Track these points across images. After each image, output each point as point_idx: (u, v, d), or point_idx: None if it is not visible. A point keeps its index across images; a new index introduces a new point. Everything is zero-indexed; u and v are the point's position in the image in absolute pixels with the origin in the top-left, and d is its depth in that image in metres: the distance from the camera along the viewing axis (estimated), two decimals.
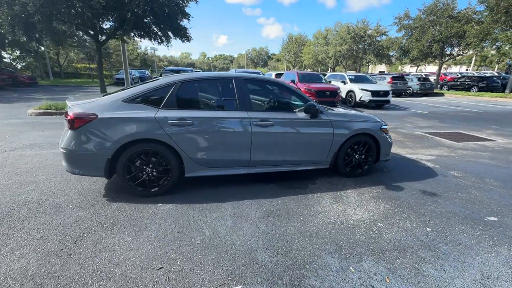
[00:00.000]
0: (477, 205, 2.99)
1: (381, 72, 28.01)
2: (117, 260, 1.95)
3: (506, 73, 30.67)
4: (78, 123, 2.65)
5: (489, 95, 17.26)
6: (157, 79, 3.21)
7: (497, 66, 38.79)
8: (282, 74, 13.82)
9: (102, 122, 2.68)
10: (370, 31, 27.24)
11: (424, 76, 23.29)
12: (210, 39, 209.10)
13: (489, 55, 18.41)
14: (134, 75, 23.88)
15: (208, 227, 2.41)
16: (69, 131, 2.71)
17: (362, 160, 3.71)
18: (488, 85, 19.50)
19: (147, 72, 32.25)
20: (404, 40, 20.72)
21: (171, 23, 9.38)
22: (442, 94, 19.43)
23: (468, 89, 20.50)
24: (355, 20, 30.87)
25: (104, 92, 10.30)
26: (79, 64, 36.27)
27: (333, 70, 34.19)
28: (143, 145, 2.79)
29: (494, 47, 14.61)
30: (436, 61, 22.73)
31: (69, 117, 2.66)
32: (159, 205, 2.80)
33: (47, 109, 8.15)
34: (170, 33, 10.33)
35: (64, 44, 11.81)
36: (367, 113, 4.30)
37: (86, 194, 3.00)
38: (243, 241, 2.23)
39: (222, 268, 1.90)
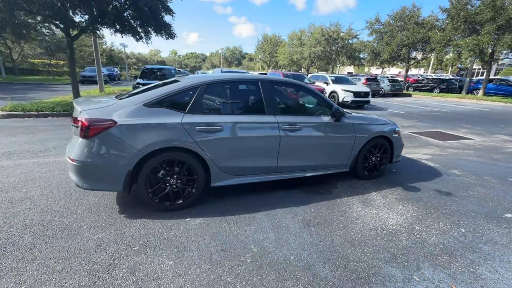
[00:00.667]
0: (490, 203, 3.18)
1: (349, 73, 29.44)
2: None
3: (457, 75, 34.20)
4: (93, 130, 2.29)
5: (450, 96, 18.96)
6: (176, 81, 2.93)
7: (450, 69, 42.92)
8: (265, 73, 13.79)
9: (122, 129, 2.36)
10: (342, 34, 28.42)
11: (391, 77, 24.93)
12: (181, 36, 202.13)
13: (444, 59, 20.16)
14: (102, 72, 22.22)
15: (253, 242, 2.24)
16: (82, 139, 2.34)
17: (377, 162, 3.76)
18: (448, 87, 21.42)
19: (115, 69, 30.17)
20: (376, 44, 21.94)
21: (155, 19, 8.79)
22: (409, 95, 20.91)
23: (431, 90, 22.33)
24: (328, 23, 31.89)
25: (76, 91, 9.36)
26: (36, 60, 32.75)
27: (307, 71, 35.11)
28: (168, 154, 2.51)
29: (455, 52, 16.04)
30: (399, 63, 24.49)
31: (82, 124, 2.30)
32: (187, 219, 2.55)
33: (12, 111, 7.17)
34: (151, 29, 9.69)
35: (27, 38, 10.46)
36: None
37: (98, 210, 2.63)
38: (296, 255, 2.10)
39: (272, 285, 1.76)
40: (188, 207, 2.74)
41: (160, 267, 1.91)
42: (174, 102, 2.62)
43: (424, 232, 2.50)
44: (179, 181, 2.64)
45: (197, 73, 24.82)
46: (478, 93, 18.52)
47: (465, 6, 15.44)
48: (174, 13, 9.51)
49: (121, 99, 2.63)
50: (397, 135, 3.82)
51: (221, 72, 11.08)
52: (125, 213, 2.61)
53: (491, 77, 19.24)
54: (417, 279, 1.89)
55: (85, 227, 2.35)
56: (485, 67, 17.59)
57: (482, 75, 31.81)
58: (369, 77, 18.95)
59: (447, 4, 16.25)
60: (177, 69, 12.88)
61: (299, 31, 34.42)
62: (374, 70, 49.79)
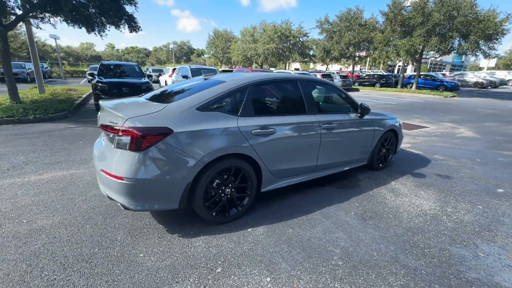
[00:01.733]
0: (480, 181, 3.78)
1: (296, 69, 31.12)
2: None
3: (388, 71, 39.65)
4: (148, 141, 1.95)
5: (390, 89, 21.63)
6: (214, 79, 2.68)
7: (381, 66, 49.05)
8: (231, 71, 13.56)
9: (180, 137, 2.06)
10: (293, 32, 29.67)
11: (337, 73, 27.23)
12: (117, 29, 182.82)
13: (377, 57, 22.99)
14: (29, 69, 18.79)
15: (330, 244, 2.23)
16: (131, 152, 1.97)
17: (386, 153, 4.10)
18: (387, 82, 24.37)
19: (44, 65, 25.77)
20: (326, 42, 23.56)
21: (117, 9, 7.76)
22: (357, 89, 23.12)
23: (373, 85, 25.11)
24: (273, 20, 32.96)
25: (14, 92, 7.71)
26: None
27: (261, 67, 35.75)
28: (226, 161, 2.29)
29: (394, 51, 18.34)
30: (346, 60, 26.93)
31: (133, 134, 1.93)
32: (249, 230, 2.39)
33: None
34: (109, 20, 8.53)
35: None
36: None
37: (142, 233, 2.26)
38: (377, 250, 2.16)
39: (395, 284, 1.81)
40: (241, 216, 2.56)
41: (261, 286, 1.75)
42: (226, 105, 2.40)
43: (456, 213, 2.85)
44: (233, 190, 2.44)
45: (147, 70, 22.85)
46: (411, 87, 21.56)
47: (400, 11, 17.68)
48: (136, 3, 8.56)
49: (171, 103, 2.28)
50: (400, 128, 4.21)
51: (190, 69, 10.46)
52: (176, 232, 2.30)
53: (411, 73, 22.61)
54: (482, 255, 2.16)
55: (141, 255, 2.00)
56: (415, 64, 20.51)
57: (404, 71, 37.10)
58: (324, 73, 20.28)
59: (386, 8, 18.34)
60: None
61: (251, 28, 34.64)
62: (319, 67, 53.58)
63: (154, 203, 2.10)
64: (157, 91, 3.07)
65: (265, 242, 2.21)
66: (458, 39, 16.59)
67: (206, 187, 2.24)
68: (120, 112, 2.09)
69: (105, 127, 2.14)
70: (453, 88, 20.24)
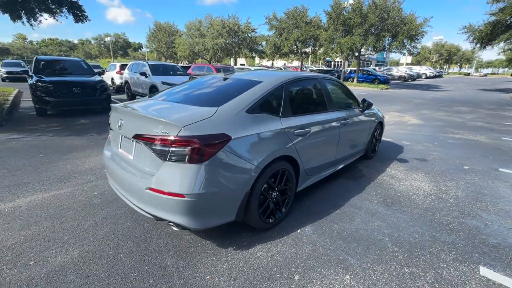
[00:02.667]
0: (448, 161, 4.49)
1: (242, 65, 31.59)
2: None
3: (327, 66, 43.79)
4: (210, 151, 1.75)
5: None
6: (245, 79, 2.53)
7: (321, 61, 53.26)
8: (188, 67, 12.88)
9: (238, 144, 1.91)
10: (242, 27, 29.63)
11: (284, 68, 28.58)
12: (55, 18, 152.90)
13: (323, 54, 24.99)
14: None
15: (377, 233, 2.38)
16: (191, 166, 1.74)
17: (375, 143, 4.52)
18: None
19: None
20: (276, 39, 24.29)
21: None
22: None
23: None
24: (216, 14, 32.38)
25: None
26: None
27: (209, 62, 34.84)
28: (275, 165, 2.21)
29: (338, 48, 20.04)
30: (294, 56, 28.33)
31: (193, 144, 1.70)
32: (298, 231, 2.37)
33: None
34: (36, 6, 7.13)
35: None
36: None
37: (191, 252, 2.03)
38: (416, 232, 2.40)
39: (448, 259, 2.05)
40: (284, 219, 2.52)
41: (345, 285, 1.78)
42: (269, 105, 2.30)
43: (449, 190, 3.34)
44: (278, 193, 2.38)
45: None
46: (353, 81, 23.98)
47: (341, 11, 19.37)
48: None
49: (221, 106, 2.04)
50: (383, 118, 4.68)
51: (149, 65, 9.51)
52: (229, 246, 2.14)
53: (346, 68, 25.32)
54: (489, 223, 2.60)
55: (208, 277, 1.81)
56: (354, 59, 22.82)
57: (341, 66, 41.21)
58: (284, 68, 20.88)
59: (329, 8, 19.82)
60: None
61: (197, 22, 33.22)
62: (265, 62, 55.09)
63: (214, 219, 1.91)
64: (169, 91, 2.74)
65: (321, 241, 2.24)
66: (388, 38, 19.06)
67: (259, 194, 2.13)
68: (167, 119, 1.81)
69: (147, 138, 1.83)
70: (386, 81, 23.27)
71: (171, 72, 9.92)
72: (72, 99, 6.89)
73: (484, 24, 16.42)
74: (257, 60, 51.93)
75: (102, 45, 52.13)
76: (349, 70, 27.09)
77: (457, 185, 3.49)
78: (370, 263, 1.99)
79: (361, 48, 19.91)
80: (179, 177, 1.74)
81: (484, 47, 17.63)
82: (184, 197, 1.72)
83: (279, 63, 51.21)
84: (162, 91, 2.90)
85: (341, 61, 56.93)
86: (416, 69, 37.62)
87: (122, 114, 2.15)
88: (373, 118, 4.04)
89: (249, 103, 2.14)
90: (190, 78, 3.84)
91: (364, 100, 3.67)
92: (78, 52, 65.47)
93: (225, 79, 2.75)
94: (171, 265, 1.91)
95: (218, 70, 11.62)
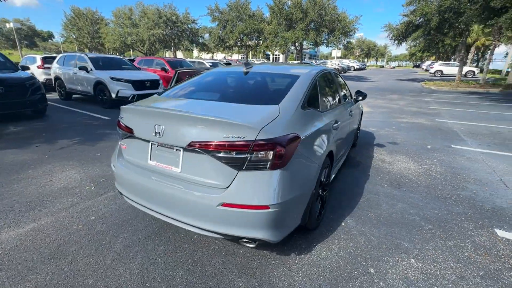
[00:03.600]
0: (413, 143, 5.18)
1: (203, 59, 30.31)
2: None
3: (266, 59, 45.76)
4: (289, 155, 1.58)
5: None
6: (278, 73, 2.39)
7: (260, 55, 54.81)
8: (133, 60, 11.50)
9: (305, 143, 1.80)
10: (181, 17, 27.81)
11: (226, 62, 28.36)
12: None
13: (269, 47, 25.68)
14: None
15: (407, 215, 2.58)
16: (271, 172, 1.55)
17: (357, 131, 4.88)
18: None
19: None
20: (221, 31, 23.68)
21: None
22: None
23: None
24: (162, 4, 29.84)
25: None
26: None
27: (145, 55, 31.85)
28: (325, 161, 2.16)
29: (283, 42, 20.80)
30: (239, 49, 28.27)
31: (272, 148, 1.51)
32: (342, 224, 2.40)
33: None
34: None
35: None
36: None
37: (257, 266, 1.85)
38: (433, 208, 2.70)
39: (471, 228, 2.37)
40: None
41: (414, 267, 1.88)
42: (312, 100, 2.21)
43: (432, 168, 3.85)
44: (322, 188, 2.34)
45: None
46: None
47: (283, 6, 20.07)
48: None
49: (280, 103, 1.82)
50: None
51: (90, 58, 8.04)
52: (289, 252, 2.02)
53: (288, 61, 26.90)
54: (477, 192, 3.11)
55: None
56: (296, 53, 24.11)
57: (278, 60, 43.16)
58: (226, 61, 20.51)
59: (271, 2, 20.29)
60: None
61: (127, 10, 29.65)
62: (204, 55, 53.58)
63: (287, 227, 1.75)
64: (184, 88, 2.38)
65: (368, 231, 2.31)
66: (326, 34, 20.71)
67: (317, 192, 2.06)
68: (240, 121, 1.54)
69: (212, 145, 1.53)
70: None
71: (118, 66, 8.66)
72: None
73: (400, 23, 19.34)
74: (195, 53, 49.93)
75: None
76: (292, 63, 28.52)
77: (434, 163, 4.06)
78: (421, 244, 2.15)
79: (303, 42, 21.10)
80: (262, 187, 1.53)
81: (400, 43, 20.82)
82: (268, 208, 1.52)
83: (219, 56, 50.40)
84: (171, 89, 2.49)
85: (279, 55, 59.51)
86: (346, 62, 42.05)
87: (159, 118, 1.74)
88: (360, 107, 4.34)
89: (300, 99, 2.01)
90: (186, 74, 3.41)
91: (359, 92, 3.89)
92: None
93: (246, 72, 2.52)
94: (240, 284, 1.69)
95: (172, 63, 10.70)
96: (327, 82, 2.92)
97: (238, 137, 1.51)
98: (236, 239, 1.64)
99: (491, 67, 24.44)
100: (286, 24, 20.67)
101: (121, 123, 2.00)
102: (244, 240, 1.62)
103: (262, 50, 38.42)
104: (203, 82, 2.54)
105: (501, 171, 3.72)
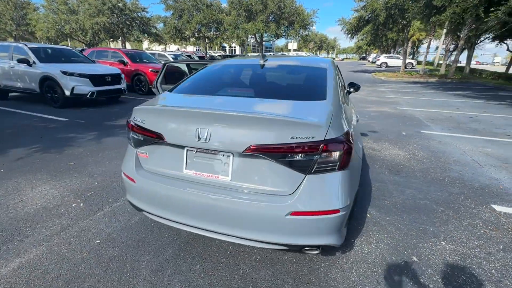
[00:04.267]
0: (390, 130, 5.58)
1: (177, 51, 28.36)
2: None
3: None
4: (348, 152, 1.49)
5: None
6: (305, 65, 2.25)
7: (216, 47, 53.58)
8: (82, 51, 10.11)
9: (352, 139, 1.71)
10: (128, 4, 25.23)
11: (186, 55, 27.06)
12: None
13: (229, 38, 25.05)
14: None
15: (418, 200, 2.74)
16: (337, 173, 1.45)
17: None
18: None
19: None
20: (176, 21, 22.21)
21: None
22: None
23: None
24: None
25: None
26: None
27: (89, 46, 28.38)
28: None
29: (243, 33, 20.48)
30: (196, 41, 27.01)
31: (344, 148, 1.41)
32: (368, 216, 2.43)
33: None
34: None
35: None
36: None
37: (330, 279, 1.75)
38: (436, 191, 2.92)
39: (473, 206, 2.63)
40: None
41: (446, 249, 2.00)
42: (340, 94, 2.13)
43: (416, 154, 4.18)
44: None
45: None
46: None
47: None
48: None
49: (330, 99, 1.70)
50: None
51: (29, 48, 6.72)
52: (330, 250, 1.96)
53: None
54: (462, 171, 3.46)
55: None
56: (257, 45, 24.04)
57: (234, 52, 43.08)
58: (187, 54, 19.42)
59: None
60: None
61: None
62: (156, 47, 50.21)
63: (346, 226, 1.68)
64: (198, 84, 2.12)
65: (393, 219, 2.38)
66: (286, 26, 21.02)
67: None
68: (306, 120, 1.39)
69: (276, 149, 1.35)
70: None
71: (67, 59, 7.48)
72: None
73: (353, 18, 20.63)
74: (145, 44, 46.38)
75: None
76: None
77: (415, 148, 4.42)
78: (443, 226, 2.30)
79: (264, 34, 21.10)
80: (332, 190, 1.43)
81: (353, 36, 22.27)
82: (339, 212, 1.42)
83: (172, 48, 47.70)
84: (180, 85, 2.17)
85: (235, 47, 58.72)
86: (303, 54, 43.55)
87: (205, 120, 1.48)
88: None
89: (338, 93, 1.94)
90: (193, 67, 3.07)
91: (352, 83, 3.97)
92: None
93: (263, 65, 2.33)
94: None
95: (131, 56, 9.68)
96: (340, 74, 2.89)
97: (307, 138, 1.36)
98: (299, 248, 1.51)
99: (422, 59, 28.03)
100: (246, 16, 20.37)
101: (139, 127, 1.66)
102: (308, 247, 1.51)
103: (219, 42, 37.46)
104: (223, 76, 2.30)
105: (470, 152, 4.23)
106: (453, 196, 2.84)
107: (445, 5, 10.32)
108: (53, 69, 6.51)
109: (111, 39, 30.27)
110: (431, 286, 1.68)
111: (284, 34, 21.33)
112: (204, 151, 1.53)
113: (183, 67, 4.52)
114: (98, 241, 2.02)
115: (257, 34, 20.32)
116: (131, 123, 1.73)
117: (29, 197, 2.62)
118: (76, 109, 6.68)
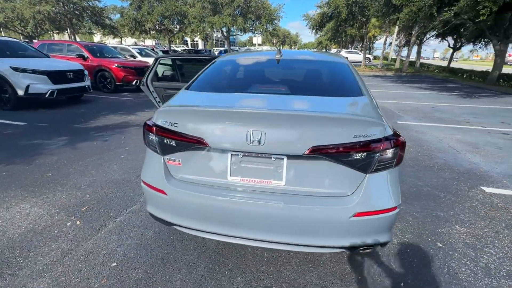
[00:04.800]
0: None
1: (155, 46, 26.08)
2: None
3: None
4: (403, 148, 1.49)
5: None
6: (328, 62, 2.21)
7: (178, 41, 51.32)
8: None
9: None
10: None
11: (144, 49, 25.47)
12: None
13: (195, 32, 23.96)
14: None
15: (420, 188, 2.91)
16: (393, 170, 1.45)
17: None
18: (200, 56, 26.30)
19: None
20: (135, 12, 20.57)
21: None
22: None
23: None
24: None
25: None
26: None
27: (30, 39, 24.98)
28: None
29: (210, 27, 19.78)
30: (158, 34, 25.45)
31: (400, 144, 1.40)
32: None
33: None
34: None
35: None
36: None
37: (362, 269, 1.74)
38: (437, 177, 3.14)
39: (467, 188, 2.88)
40: None
41: (466, 233, 2.15)
42: None
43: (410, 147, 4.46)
44: None
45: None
46: None
47: None
48: None
49: (361, 96, 1.69)
50: None
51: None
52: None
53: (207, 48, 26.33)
54: (445, 158, 3.78)
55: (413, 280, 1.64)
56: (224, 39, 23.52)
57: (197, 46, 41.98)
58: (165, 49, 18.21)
59: None
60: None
61: None
62: (111, 40, 46.35)
63: None
64: (215, 80, 1.96)
65: (408, 208, 2.50)
66: (253, 20, 20.87)
67: None
68: (365, 117, 1.35)
69: (339, 149, 1.28)
70: None
71: (14, 53, 6.43)
72: None
73: (317, 14, 21.29)
74: (97, 37, 42.39)
75: None
76: (219, 51, 27.73)
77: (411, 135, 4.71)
78: (450, 211, 2.47)
79: (231, 28, 20.70)
80: (390, 187, 1.41)
81: (317, 32, 23.03)
82: (396, 209, 1.42)
83: (128, 41, 44.40)
84: (195, 82, 1.97)
85: (198, 41, 56.86)
86: (268, 48, 43.89)
87: (257, 120, 1.33)
88: None
89: (367, 88, 1.92)
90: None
91: None
92: None
93: (277, 59, 2.22)
94: None
95: (92, 50, 8.71)
96: None
97: (368, 136, 1.31)
98: (353, 249, 1.48)
99: (376, 54, 30.15)
100: (211, 9, 19.72)
101: (170, 131, 1.45)
102: (364, 247, 1.48)
103: (181, 36, 35.83)
104: (246, 72, 2.15)
105: (445, 139, 4.65)
106: (447, 181, 3.08)
107: (403, 4, 11.15)
108: (0, 65, 5.54)
109: (57, 31, 27.05)
110: (463, 269, 1.78)
111: (251, 28, 21.18)
112: (253, 155, 1.39)
113: (168, 61, 4.20)
114: (115, 264, 1.76)
115: (223, 28, 19.83)
116: (156, 126, 1.51)
117: (6, 219, 2.18)
118: (33, 111, 5.82)
